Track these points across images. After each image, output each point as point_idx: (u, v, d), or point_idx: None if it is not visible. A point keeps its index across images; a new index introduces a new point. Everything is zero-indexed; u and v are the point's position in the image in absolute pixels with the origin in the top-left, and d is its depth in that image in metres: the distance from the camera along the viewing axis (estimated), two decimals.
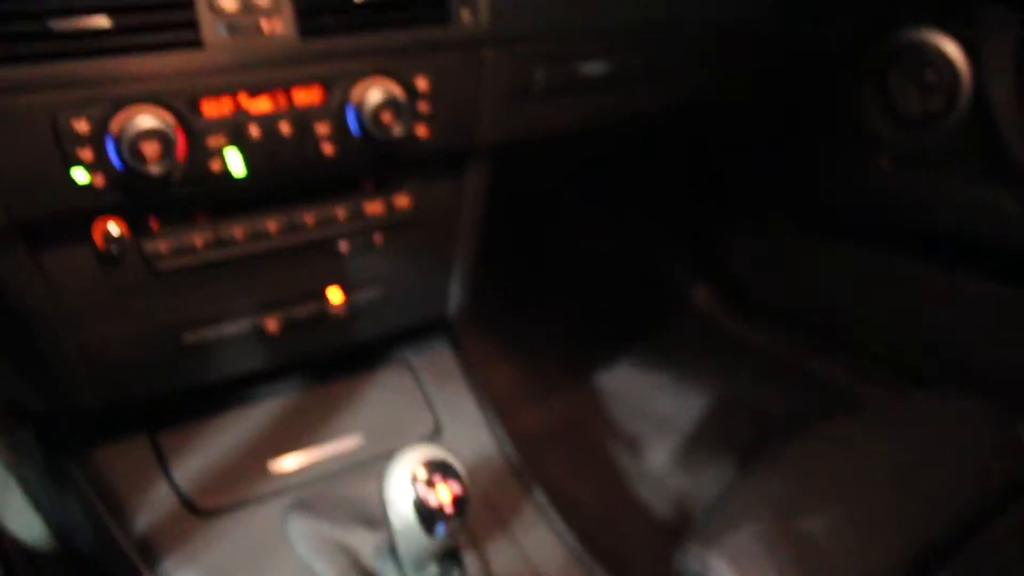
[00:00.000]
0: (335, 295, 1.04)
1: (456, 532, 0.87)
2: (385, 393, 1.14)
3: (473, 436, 1.13)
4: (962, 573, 1.33)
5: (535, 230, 2.05)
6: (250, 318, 0.99)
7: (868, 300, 1.86)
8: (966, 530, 1.36)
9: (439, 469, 0.85)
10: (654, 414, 1.94)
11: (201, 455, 1.04)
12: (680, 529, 1.23)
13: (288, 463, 1.06)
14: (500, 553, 1.00)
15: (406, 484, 0.84)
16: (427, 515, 0.85)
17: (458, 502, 0.85)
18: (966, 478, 1.39)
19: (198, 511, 1.00)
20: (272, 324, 1.01)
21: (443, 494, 0.85)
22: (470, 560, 0.98)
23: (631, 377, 2.02)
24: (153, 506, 0.99)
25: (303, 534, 0.99)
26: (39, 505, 1.18)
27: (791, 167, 1.87)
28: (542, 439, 1.87)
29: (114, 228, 0.85)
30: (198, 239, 0.91)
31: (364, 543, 0.97)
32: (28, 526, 1.21)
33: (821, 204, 1.88)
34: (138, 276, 0.90)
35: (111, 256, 0.87)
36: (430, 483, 0.84)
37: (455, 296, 1.14)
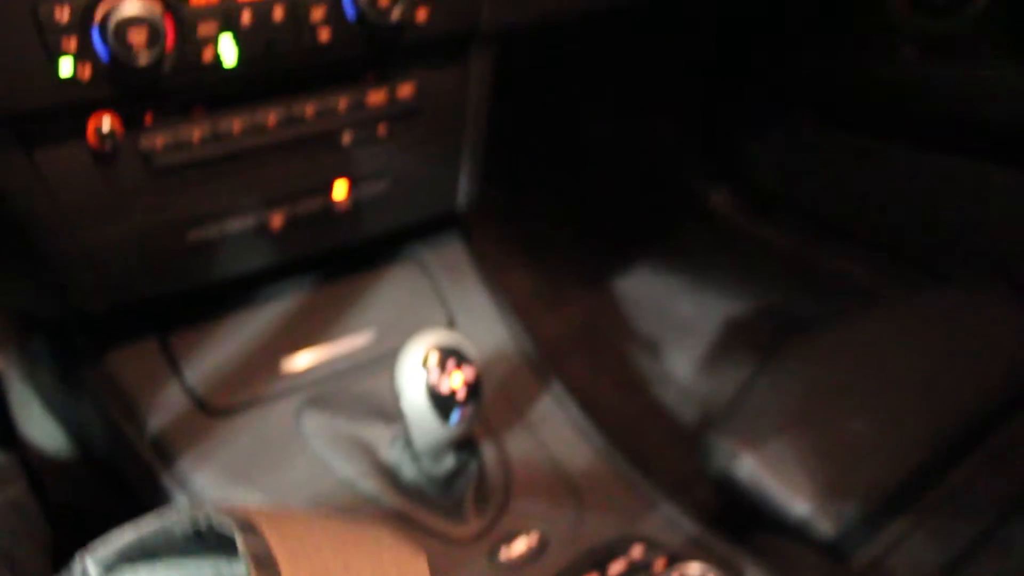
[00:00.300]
0: (340, 189, 1.00)
1: (471, 419, 0.85)
2: (396, 289, 1.11)
3: (488, 329, 1.10)
4: (986, 463, 1.31)
5: (546, 131, 2.00)
6: (254, 214, 0.96)
7: (892, 196, 1.80)
8: (990, 420, 1.33)
9: (451, 354, 0.82)
10: (673, 318, 1.90)
11: (212, 356, 1.02)
12: (704, 430, 1.21)
13: (300, 361, 1.03)
14: (518, 444, 0.98)
15: (418, 370, 0.82)
16: (440, 402, 0.82)
17: (472, 387, 0.83)
18: (991, 368, 1.35)
19: (211, 411, 0.98)
20: (277, 220, 0.98)
21: (456, 379, 0.82)
22: (487, 450, 0.96)
23: (649, 281, 1.98)
24: (166, 407, 0.98)
25: (317, 430, 0.97)
26: (57, 414, 1.17)
27: (813, 59, 1.80)
28: (559, 345, 1.84)
29: (106, 123, 0.82)
30: (195, 134, 0.88)
31: (379, 437, 0.95)
32: (50, 436, 1.20)
33: (843, 98, 1.81)
34: (136, 174, 0.87)
35: (106, 153, 0.84)
36: (443, 369, 0.82)
37: (464, 189, 1.10)
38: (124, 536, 0.53)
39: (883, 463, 1.18)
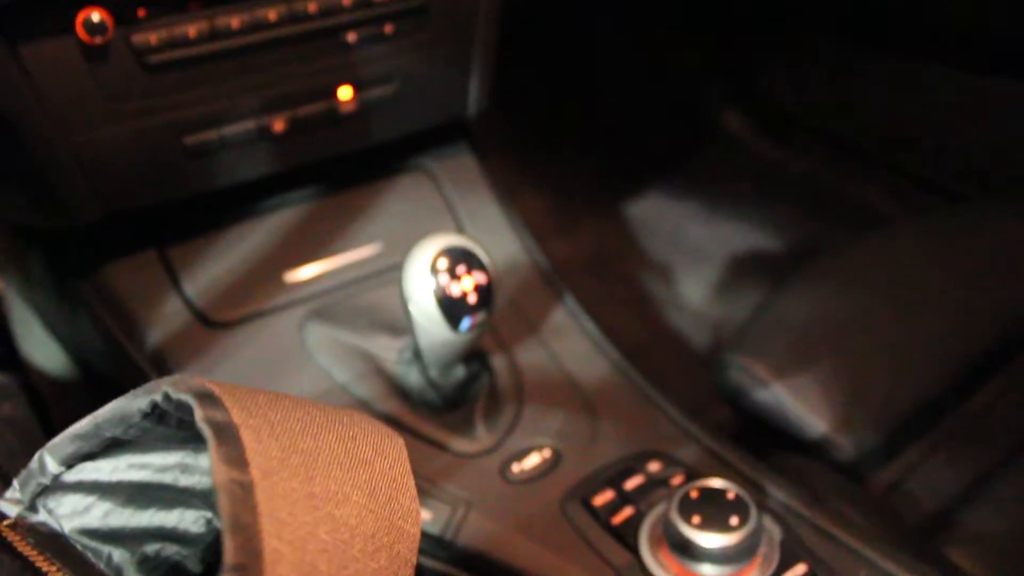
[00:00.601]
0: (345, 92, 0.95)
1: (482, 327, 0.80)
2: (404, 200, 1.06)
3: (499, 241, 1.05)
4: (1008, 389, 1.26)
5: (558, 53, 1.93)
6: (255, 118, 0.91)
7: (911, 116, 1.73)
8: (1014, 344, 1.28)
9: (462, 258, 0.78)
10: (686, 243, 1.85)
11: (213, 268, 0.97)
12: (718, 352, 1.17)
13: (304, 273, 0.99)
14: (531, 357, 0.93)
15: (426, 275, 0.77)
16: (450, 307, 0.77)
17: (483, 292, 0.78)
18: (1013, 288, 1.30)
19: (212, 323, 0.94)
20: (279, 124, 0.93)
21: (467, 284, 0.77)
22: (498, 362, 0.92)
23: (662, 207, 1.92)
24: (166, 320, 0.93)
25: (322, 343, 0.92)
26: (57, 333, 1.14)
27: None
28: (570, 269, 1.80)
29: (95, 15, 0.77)
30: (191, 29, 0.82)
31: (386, 349, 0.91)
32: (50, 356, 1.17)
33: (861, 14, 1.74)
34: (129, 72, 0.82)
35: (96, 48, 0.79)
36: (452, 273, 0.77)
37: (475, 96, 1.05)
38: (81, 424, 0.49)
39: (902, 385, 1.14)
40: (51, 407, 1.15)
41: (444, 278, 0.77)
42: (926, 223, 1.42)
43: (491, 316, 0.81)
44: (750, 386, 1.08)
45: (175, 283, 0.96)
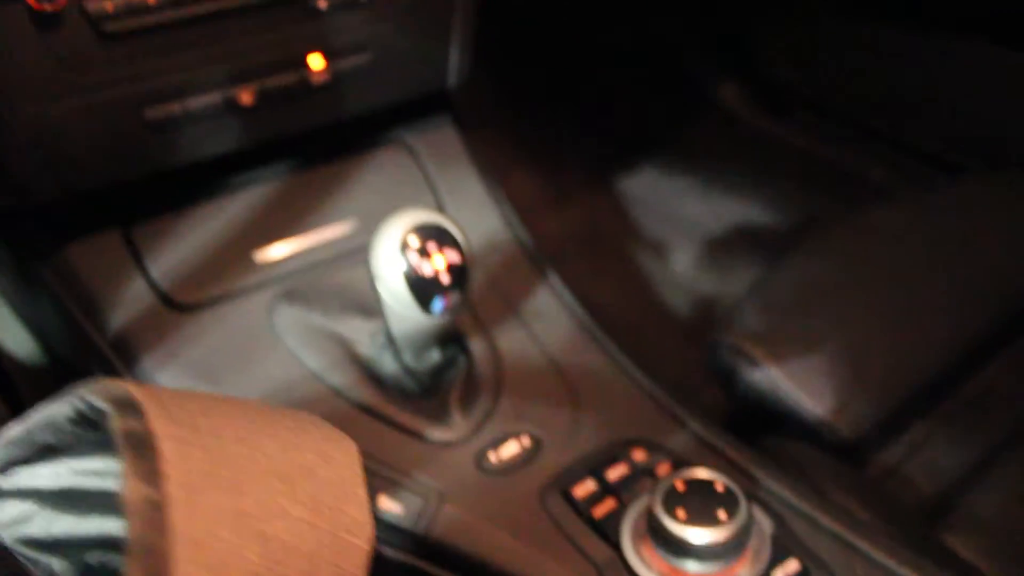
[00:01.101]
0: (316, 62, 0.89)
1: (456, 309, 0.75)
2: (380, 176, 1.00)
3: (480, 217, 1.00)
4: (1012, 368, 1.21)
5: (550, 24, 1.86)
6: (221, 89, 0.86)
7: (909, 89, 1.67)
8: (1017, 321, 1.23)
9: (433, 235, 0.72)
10: (680, 218, 1.80)
11: (179, 249, 0.92)
12: (711, 331, 1.11)
13: (275, 252, 0.93)
14: (511, 340, 0.88)
15: (395, 253, 0.71)
16: (421, 287, 0.72)
17: (456, 272, 0.73)
18: (1016, 266, 1.25)
19: (177, 306, 0.88)
20: (246, 96, 0.87)
21: (439, 262, 0.72)
22: (476, 346, 0.86)
23: (655, 181, 1.87)
24: (129, 304, 0.88)
25: (292, 326, 0.87)
26: (23, 316, 1.08)
27: None
28: (561, 246, 1.75)
29: None
30: None
31: (358, 331, 0.86)
32: (19, 340, 1.12)
33: None
34: (85, 41, 0.76)
35: (48, 15, 0.73)
36: (423, 251, 0.72)
37: (455, 65, 0.99)
38: (13, 430, 0.44)
39: (903, 365, 1.09)
40: (22, 392, 1.11)
41: (414, 257, 0.71)
42: (927, 197, 1.36)
43: (466, 298, 0.75)
44: (742, 367, 1.02)
45: (139, 264, 0.90)
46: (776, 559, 0.65)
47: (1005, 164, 1.50)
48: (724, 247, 1.74)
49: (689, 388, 1.39)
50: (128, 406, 0.41)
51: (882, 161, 1.73)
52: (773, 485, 0.73)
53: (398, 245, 0.71)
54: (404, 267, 0.72)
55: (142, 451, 0.38)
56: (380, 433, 0.79)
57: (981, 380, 1.18)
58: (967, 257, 1.19)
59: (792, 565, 0.65)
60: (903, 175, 1.72)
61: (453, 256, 0.73)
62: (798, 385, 1.00)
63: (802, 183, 1.79)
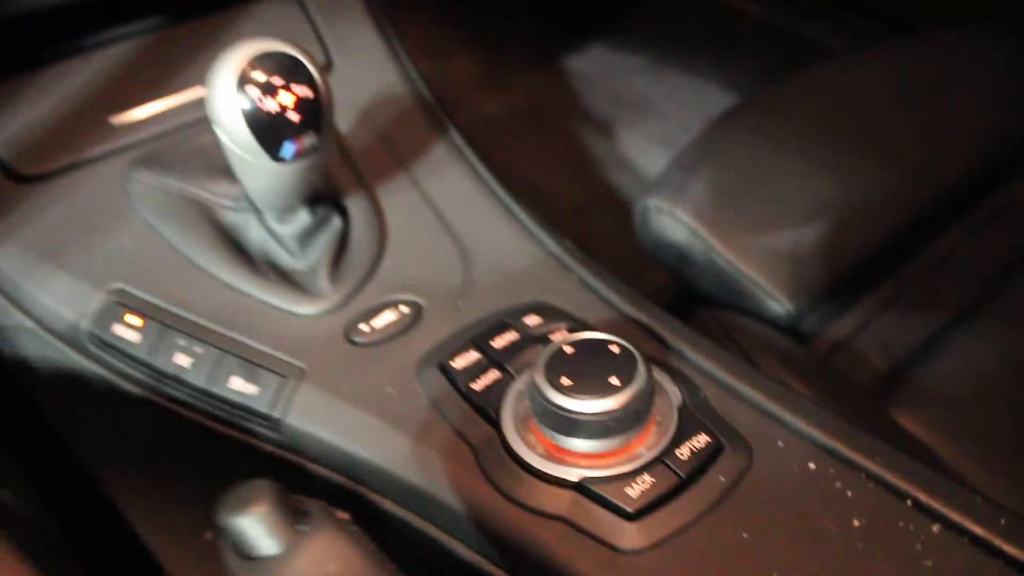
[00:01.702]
0: None
1: (316, 157, 0.62)
2: (261, 29, 0.86)
3: (373, 70, 0.86)
4: (972, 234, 1.09)
5: None
6: None
7: None
8: (977, 183, 1.11)
9: (279, 68, 0.59)
10: (629, 97, 1.66)
11: (26, 113, 0.78)
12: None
13: (135, 115, 0.80)
14: (398, 199, 0.75)
15: (232, 89, 0.58)
16: (265, 128, 0.59)
17: (308, 108, 0.60)
18: (984, 118, 1.12)
19: (20, 177, 0.75)
20: None
21: (285, 98, 0.59)
22: (355, 206, 0.74)
23: (603, 58, 1.72)
24: None
25: (147, 193, 0.74)
26: None
27: None
28: (504, 125, 1.61)
29: None
30: None
31: (221, 196, 0.73)
32: None
33: None
34: None
35: None
36: (267, 87, 0.58)
37: None
38: None
39: (853, 229, 0.97)
40: None
41: (255, 92, 0.58)
42: (875, 53, 1.23)
43: (326, 143, 0.62)
44: (673, 232, 0.90)
45: None
46: (682, 434, 0.54)
47: (962, 21, 1.36)
48: (676, 125, 1.61)
49: (634, 272, 1.28)
50: None
51: (842, 28, 1.59)
52: (689, 351, 0.62)
53: (235, 79, 0.58)
54: (244, 104, 0.58)
55: None
56: (237, 306, 0.67)
57: (941, 244, 1.06)
58: (925, 112, 1.07)
59: (700, 440, 0.54)
60: (865, 41, 1.58)
61: (303, 91, 0.59)
62: (734, 251, 0.89)
63: (759, 55, 1.65)
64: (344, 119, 0.80)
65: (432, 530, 0.58)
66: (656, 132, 1.61)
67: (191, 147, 0.78)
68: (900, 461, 0.53)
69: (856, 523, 0.50)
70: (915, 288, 1.00)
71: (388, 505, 0.60)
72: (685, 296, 1.10)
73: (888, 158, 1.01)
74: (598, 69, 1.71)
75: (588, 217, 1.49)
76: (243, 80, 0.58)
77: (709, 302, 0.97)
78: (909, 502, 0.51)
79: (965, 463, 0.81)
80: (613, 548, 0.50)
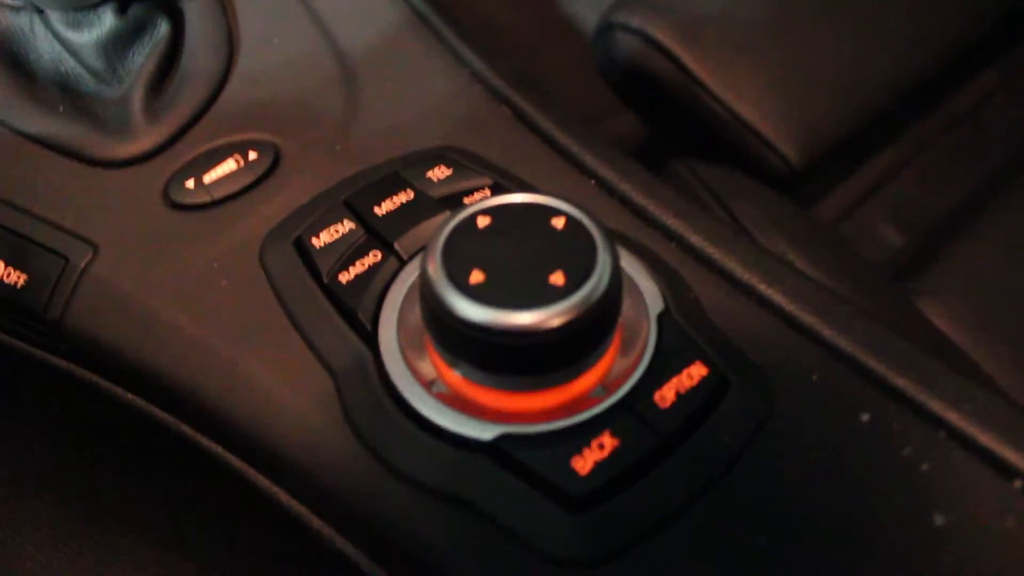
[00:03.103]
0: None
1: None
2: None
3: None
4: (1009, 79, 0.87)
5: None
6: None
7: None
8: (1002, 34, 0.88)
9: None
10: None
11: None
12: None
13: None
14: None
15: None
16: None
17: None
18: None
19: None
20: None
21: None
22: (193, 6, 0.49)
23: None
24: None
25: None
26: None
27: None
28: None
29: None
30: None
31: None
32: None
33: None
34: None
35: None
36: None
37: None
38: None
39: (868, 71, 0.75)
40: None
41: None
42: None
43: None
44: (645, 59, 0.67)
45: None
46: (664, 362, 0.33)
47: None
48: None
49: (594, 116, 1.05)
50: None
51: None
52: (672, 223, 0.39)
53: None
54: None
55: None
56: (11, 151, 0.44)
57: (965, 97, 0.85)
58: None
59: (693, 372, 0.32)
60: None
61: None
62: (727, 87, 0.66)
63: None
64: None
65: (274, 490, 0.37)
66: None
67: None
68: (1012, 420, 0.32)
69: (940, 520, 0.30)
70: (937, 144, 0.79)
71: (210, 446, 0.38)
72: (654, 145, 0.88)
73: (907, 3, 0.77)
74: None
75: (540, 54, 1.24)
76: None
77: (684, 152, 0.75)
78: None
79: (1005, 371, 0.61)
80: (546, 556, 0.30)
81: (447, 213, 0.38)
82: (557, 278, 0.30)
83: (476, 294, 0.29)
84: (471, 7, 1.27)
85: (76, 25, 0.46)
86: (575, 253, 0.30)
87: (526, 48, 1.25)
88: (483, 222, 0.32)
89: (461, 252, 0.31)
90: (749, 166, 0.67)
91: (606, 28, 0.70)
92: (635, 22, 0.67)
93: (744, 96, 0.66)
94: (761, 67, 0.68)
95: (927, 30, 0.80)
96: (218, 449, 0.38)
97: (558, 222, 0.31)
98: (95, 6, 0.46)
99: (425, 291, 0.30)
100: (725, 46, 0.68)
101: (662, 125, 0.74)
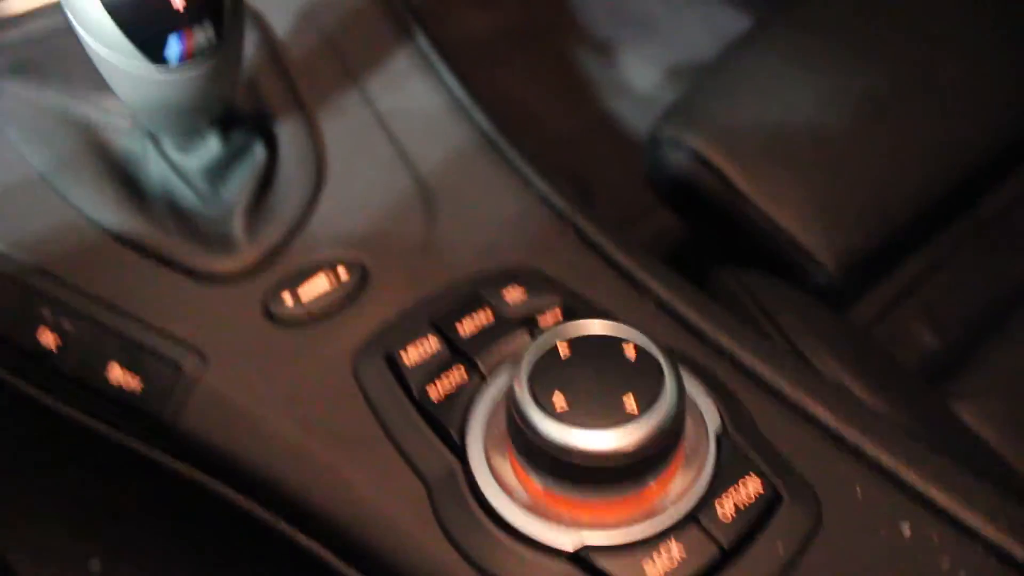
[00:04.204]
0: None
1: (213, 58, 0.44)
2: None
3: None
4: (986, 224, 0.91)
5: None
6: None
7: None
8: (991, 169, 0.92)
9: None
10: (631, 13, 1.47)
11: None
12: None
13: (4, 7, 0.61)
14: (343, 123, 0.57)
15: None
16: (136, 16, 0.41)
17: None
18: None
19: None
20: None
21: None
22: (285, 131, 0.55)
23: None
24: None
25: (18, 108, 0.55)
26: None
27: None
28: (491, 45, 1.41)
29: None
30: None
31: (113, 115, 0.54)
32: None
33: None
34: None
35: None
36: None
37: None
38: None
39: (903, 177, 0.79)
40: None
41: None
42: None
43: (233, 41, 0.44)
44: (694, 172, 0.72)
45: None
46: (723, 476, 0.37)
47: None
48: (684, 47, 1.42)
49: (637, 211, 1.10)
50: None
51: None
52: (727, 344, 0.44)
53: None
54: None
55: None
56: (124, 267, 0.50)
57: (1002, 194, 0.89)
58: (986, 40, 0.88)
59: (749, 486, 0.37)
60: None
61: None
62: (770, 200, 0.71)
63: None
64: (277, 14, 0.61)
65: None
66: (660, 54, 1.42)
67: (80, 53, 0.59)
68: None
69: None
70: (973, 246, 0.83)
71: (309, 544, 0.43)
72: (693, 243, 0.93)
73: (945, 90, 0.82)
74: None
75: (585, 148, 1.30)
76: None
77: (722, 252, 0.80)
78: None
79: None
80: None
81: (524, 333, 0.43)
82: (629, 401, 0.34)
83: (559, 416, 0.34)
84: (517, 104, 1.35)
85: (185, 150, 0.52)
86: (644, 378, 0.35)
87: (573, 144, 1.32)
88: (563, 349, 0.36)
89: (544, 377, 0.35)
90: (789, 274, 0.72)
91: (657, 142, 0.76)
92: (685, 139, 0.73)
93: (785, 209, 0.71)
94: (802, 180, 0.73)
95: (960, 138, 0.84)
96: (317, 547, 0.42)
97: (629, 350, 0.36)
98: (202, 133, 0.52)
99: (513, 412, 0.35)
100: (768, 162, 0.73)
101: (704, 229, 0.79)
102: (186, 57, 0.42)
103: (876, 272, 0.78)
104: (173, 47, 0.42)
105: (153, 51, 0.42)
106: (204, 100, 0.48)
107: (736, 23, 1.39)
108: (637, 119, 1.35)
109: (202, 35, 0.42)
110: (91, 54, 0.44)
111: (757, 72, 0.81)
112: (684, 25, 1.44)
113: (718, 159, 0.71)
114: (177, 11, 0.41)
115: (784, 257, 0.71)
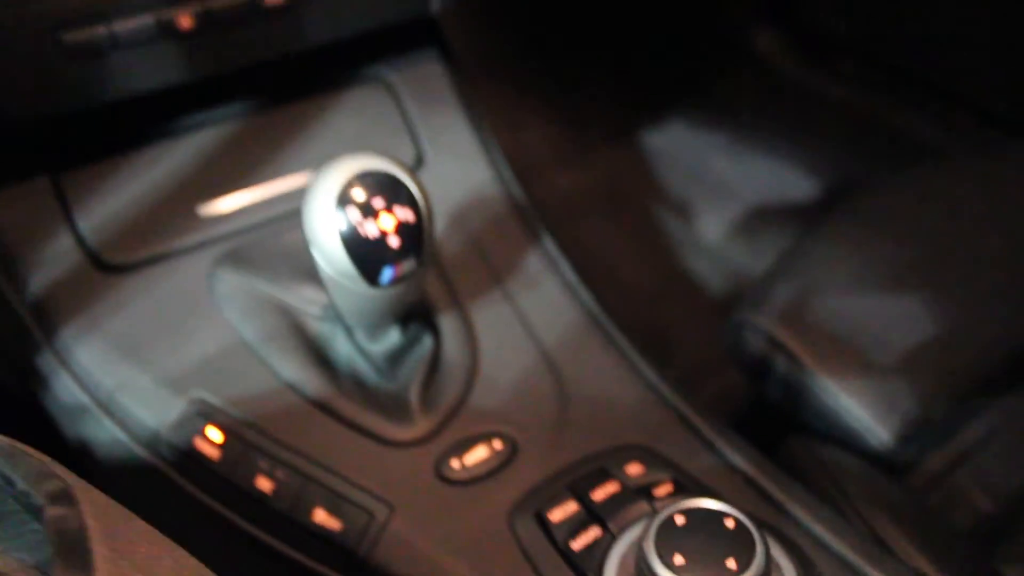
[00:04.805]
0: None
1: (415, 281, 0.59)
2: (351, 118, 0.84)
3: (466, 167, 0.83)
4: None
5: None
6: (153, 10, 0.70)
7: (969, 37, 1.47)
8: None
9: (382, 187, 0.56)
10: (709, 177, 1.62)
11: (114, 200, 0.77)
12: (735, 305, 0.95)
13: (221, 207, 0.78)
14: (491, 317, 0.72)
15: (332, 209, 0.56)
16: (364, 253, 0.56)
17: (409, 233, 0.57)
18: None
19: (107, 267, 0.74)
20: (185, 19, 0.71)
21: (386, 222, 0.56)
22: (447, 324, 0.70)
23: (683, 136, 1.69)
24: (53, 262, 0.73)
25: (233, 293, 0.72)
26: None
27: None
28: (577, 204, 1.58)
29: None
30: None
31: (309, 303, 0.70)
32: None
33: None
34: None
35: None
36: (367, 208, 0.56)
37: None
38: None
39: (955, 360, 0.92)
40: None
41: (356, 214, 0.56)
42: (988, 161, 1.18)
43: (424, 265, 0.60)
44: (770, 355, 0.86)
45: (68, 217, 0.76)
46: None
47: None
48: (755, 211, 1.56)
49: (708, 366, 1.23)
50: (63, 497, 0.37)
51: (934, 118, 1.53)
52: (802, 515, 0.57)
53: (335, 199, 0.56)
54: (342, 227, 0.56)
55: (73, 548, 0.34)
56: (323, 428, 0.65)
57: None
58: None
59: None
60: (957, 135, 1.52)
61: (405, 214, 0.57)
62: (829, 377, 0.84)
63: (843, 141, 1.60)
64: (436, 219, 0.78)
65: None
66: (735, 215, 1.57)
67: (279, 246, 0.76)
68: None
69: None
70: (1022, 416, 0.94)
71: None
72: (766, 407, 1.05)
73: (999, 277, 0.95)
74: (677, 147, 1.67)
75: (660, 303, 1.45)
76: (343, 200, 0.56)
77: (793, 420, 0.92)
78: None
79: None
80: None
81: (643, 501, 0.57)
82: (731, 563, 0.47)
83: (679, 571, 0.47)
84: (603, 260, 1.51)
85: (371, 339, 0.68)
86: (742, 544, 0.48)
87: (650, 299, 1.46)
88: (679, 519, 0.50)
89: (665, 540, 0.48)
90: (849, 440, 0.84)
91: (736, 324, 0.90)
92: (760, 323, 0.87)
93: (848, 383, 0.84)
94: (865, 361, 0.86)
95: (1013, 311, 0.97)
96: None
97: (729, 522, 0.49)
98: (386, 327, 0.67)
99: (642, 567, 0.48)
100: (832, 341, 0.86)
101: (771, 396, 0.92)
102: (394, 280, 0.58)
103: (931, 439, 0.90)
104: (387, 274, 0.57)
105: (372, 277, 0.57)
106: (399, 307, 0.63)
107: (800, 187, 1.55)
108: (709, 274, 1.50)
109: (408, 265, 0.58)
110: (321, 273, 0.59)
111: (824, 266, 0.95)
112: (753, 189, 1.60)
113: (791, 343, 0.85)
114: (394, 250, 0.57)
115: (846, 427, 0.84)
